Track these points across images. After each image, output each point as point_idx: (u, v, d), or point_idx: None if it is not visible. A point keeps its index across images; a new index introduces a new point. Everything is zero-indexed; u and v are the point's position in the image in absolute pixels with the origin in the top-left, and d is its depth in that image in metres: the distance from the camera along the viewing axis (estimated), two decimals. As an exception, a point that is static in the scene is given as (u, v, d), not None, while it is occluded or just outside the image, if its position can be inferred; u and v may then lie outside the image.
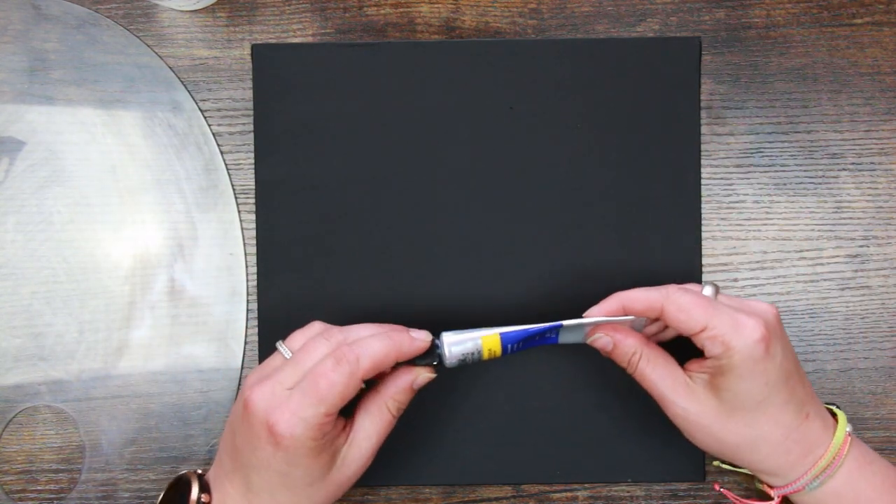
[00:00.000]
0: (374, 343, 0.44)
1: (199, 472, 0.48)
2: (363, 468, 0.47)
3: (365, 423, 0.46)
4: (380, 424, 0.47)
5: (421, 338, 0.46)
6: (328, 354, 0.44)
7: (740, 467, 0.51)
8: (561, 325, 0.47)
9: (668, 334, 0.50)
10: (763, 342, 0.44)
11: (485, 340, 0.46)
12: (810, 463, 0.46)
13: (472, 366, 0.48)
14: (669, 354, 0.48)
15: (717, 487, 0.53)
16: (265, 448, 0.44)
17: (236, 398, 0.49)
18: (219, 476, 0.47)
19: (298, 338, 0.47)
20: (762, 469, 0.47)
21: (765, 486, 0.49)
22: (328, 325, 0.47)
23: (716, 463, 0.53)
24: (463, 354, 0.46)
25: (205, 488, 0.47)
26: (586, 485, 0.55)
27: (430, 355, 0.47)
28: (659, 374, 0.47)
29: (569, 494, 0.55)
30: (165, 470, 0.55)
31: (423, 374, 0.47)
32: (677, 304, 0.45)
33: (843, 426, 0.47)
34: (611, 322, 0.48)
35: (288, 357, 0.46)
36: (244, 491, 0.46)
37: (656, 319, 0.48)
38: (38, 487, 0.55)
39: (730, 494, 0.52)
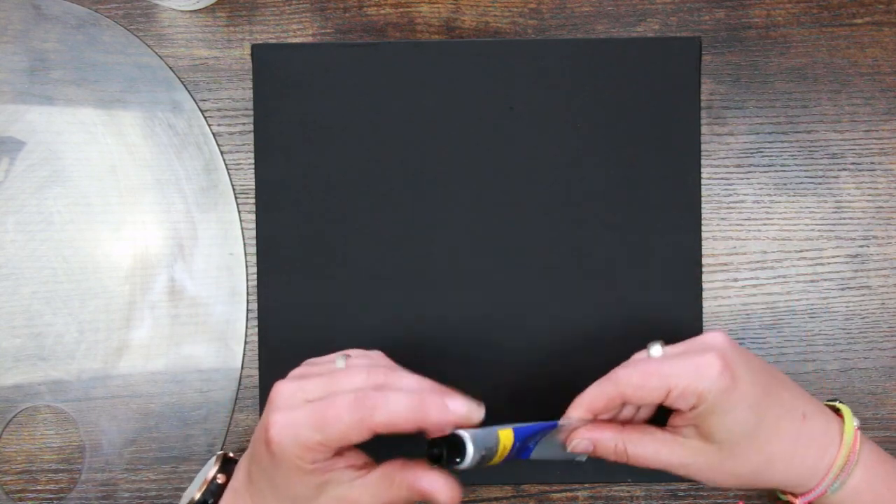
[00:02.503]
0: (400, 401, 0.41)
1: (231, 455, 0.50)
2: None
3: (381, 485, 0.43)
4: (391, 496, 0.43)
5: (456, 411, 0.41)
6: (356, 389, 0.42)
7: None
8: (556, 425, 0.46)
9: (644, 413, 0.49)
10: (726, 371, 0.43)
11: (502, 436, 0.44)
12: (828, 464, 0.46)
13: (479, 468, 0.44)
14: (648, 425, 0.47)
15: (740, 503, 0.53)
16: (261, 445, 0.43)
17: None
18: (242, 458, 0.48)
19: (359, 360, 0.45)
20: (786, 484, 0.47)
21: (788, 495, 0.49)
22: (388, 362, 0.45)
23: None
24: (481, 458, 0.43)
25: (227, 469, 0.48)
26: (586, 485, 0.55)
27: (453, 461, 0.42)
28: (651, 451, 0.46)
29: (569, 494, 0.55)
30: (165, 470, 0.55)
31: (442, 500, 0.43)
32: (632, 385, 0.44)
33: (850, 421, 0.47)
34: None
35: (339, 366, 0.44)
36: (246, 480, 0.46)
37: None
38: (38, 487, 0.55)
39: None
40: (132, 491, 0.55)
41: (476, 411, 0.42)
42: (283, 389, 0.43)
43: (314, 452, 0.42)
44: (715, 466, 0.46)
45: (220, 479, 0.48)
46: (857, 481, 0.46)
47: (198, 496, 0.48)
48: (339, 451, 0.43)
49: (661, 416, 0.48)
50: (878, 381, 0.55)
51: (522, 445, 0.45)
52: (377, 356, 0.47)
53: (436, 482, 0.43)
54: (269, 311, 0.54)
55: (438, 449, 0.42)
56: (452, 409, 0.41)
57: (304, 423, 0.41)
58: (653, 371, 0.44)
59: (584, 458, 0.50)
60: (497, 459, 0.44)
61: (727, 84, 0.55)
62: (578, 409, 0.46)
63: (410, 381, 0.43)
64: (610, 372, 0.46)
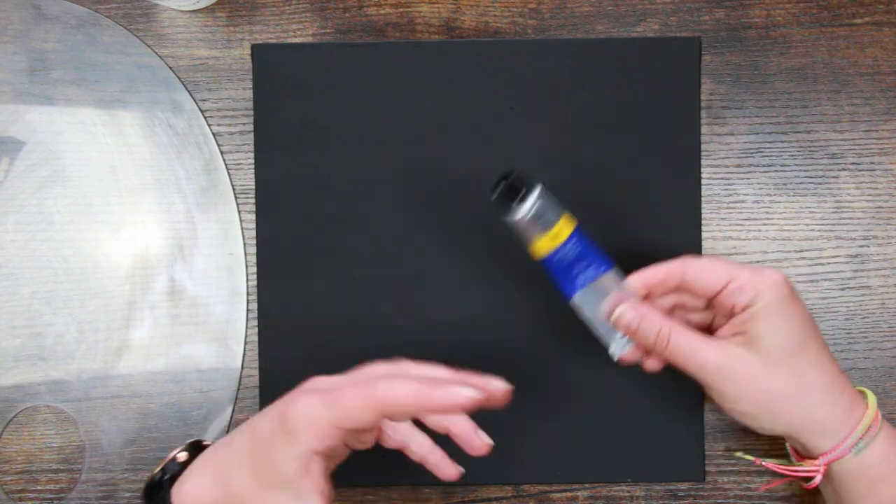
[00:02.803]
0: (407, 383, 0.41)
1: (206, 443, 0.47)
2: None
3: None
4: (330, 448, 0.42)
5: (463, 392, 0.40)
6: (374, 375, 0.42)
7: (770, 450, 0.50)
8: (611, 268, 0.47)
9: (690, 316, 0.50)
10: (787, 283, 0.45)
11: (565, 217, 0.45)
12: (856, 419, 0.46)
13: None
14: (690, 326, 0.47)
15: (757, 461, 0.51)
16: (272, 414, 0.42)
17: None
18: (233, 432, 0.46)
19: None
20: (811, 425, 0.46)
21: (804, 460, 0.48)
22: (406, 362, 0.45)
23: (738, 454, 0.53)
24: (544, 210, 0.44)
25: (193, 452, 0.45)
26: (586, 485, 0.55)
27: (516, 193, 0.43)
28: (693, 345, 0.46)
29: (569, 494, 0.55)
30: (165, 470, 0.55)
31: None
32: (697, 265, 0.46)
33: (873, 397, 0.47)
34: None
35: None
36: (218, 445, 0.44)
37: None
38: (38, 487, 0.55)
39: (772, 466, 0.50)
40: (132, 491, 0.55)
41: (471, 395, 0.40)
42: (314, 381, 0.43)
43: (322, 432, 0.41)
44: (749, 376, 0.45)
45: (181, 457, 0.45)
46: (876, 450, 0.46)
47: (156, 472, 0.45)
48: (336, 457, 0.44)
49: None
50: (878, 381, 0.55)
51: (571, 266, 0.46)
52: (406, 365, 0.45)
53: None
54: (269, 311, 0.54)
55: (506, 180, 0.43)
56: (459, 391, 0.40)
57: (319, 401, 0.41)
58: (720, 261, 0.46)
59: (617, 352, 0.49)
60: (548, 243, 0.45)
61: (727, 84, 0.55)
62: (635, 278, 0.47)
63: (427, 369, 0.43)
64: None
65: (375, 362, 0.44)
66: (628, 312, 0.46)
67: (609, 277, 0.47)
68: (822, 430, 0.46)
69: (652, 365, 0.49)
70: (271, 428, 0.42)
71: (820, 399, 0.45)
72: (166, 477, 0.46)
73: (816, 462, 0.46)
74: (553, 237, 0.45)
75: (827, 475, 0.47)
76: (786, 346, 0.45)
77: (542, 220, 0.45)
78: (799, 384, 0.45)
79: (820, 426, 0.46)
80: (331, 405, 0.41)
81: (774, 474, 0.52)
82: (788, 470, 0.49)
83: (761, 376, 0.45)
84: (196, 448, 0.47)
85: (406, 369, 0.44)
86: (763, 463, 0.50)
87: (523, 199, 0.44)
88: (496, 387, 0.42)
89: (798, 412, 0.46)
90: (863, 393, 0.48)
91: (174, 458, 0.46)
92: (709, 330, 0.49)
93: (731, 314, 0.46)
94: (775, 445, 0.54)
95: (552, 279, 0.47)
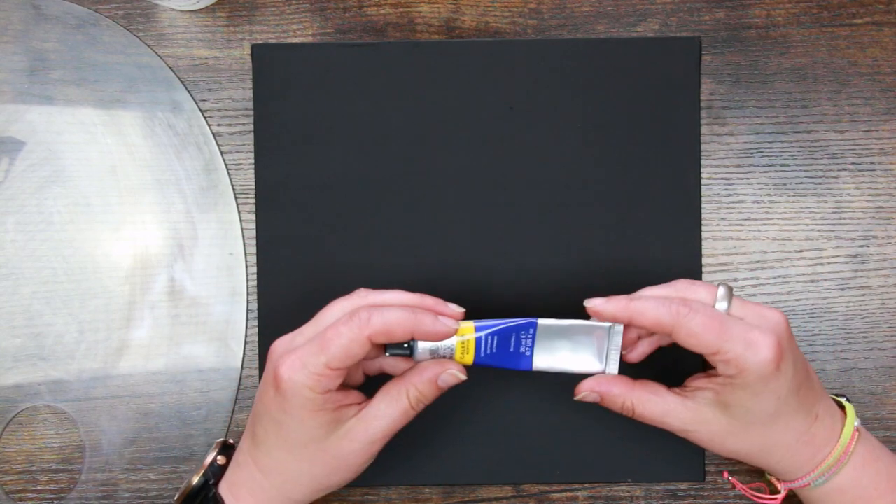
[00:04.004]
0: (392, 311, 0.43)
1: (231, 441, 0.50)
2: (369, 450, 0.46)
3: (381, 404, 0.45)
4: (395, 409, 0.45)
5: (447, 322, 0.44)
6: (346, 312, 0.44)
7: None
8: (536, 323, 0.46)
9: (666, 340, 0.49)
10: (775, 361, 0.43)
11: (459, 332, 0.46)
12: (819, 461, 0.47)
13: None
14: (658, 384, 0.47)
15: (725, 475, 0.53)
16: (268, 391, 0.44)
17: None
18: (244, 432, 0.49)
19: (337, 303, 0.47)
20: (776, 470, 0.48)
21: (773, 479, 0.50)
22: (365, 290, 0.47)
23: (725, 474, 0.54)
24: (435, 345, 0.46)
25: (226, 453, 0.49)
26: (586, 485, 0.55)
27: (400, 346, 0.46)
28: (659, 412, 0.47)
29: (569, 494, 0.55)
30: (165, 470, 0.55)
31: (451, 371, 0.45)
32: (687, 329, 0.44)
33: (852, 422, 0.47)
34: (590, 325, 0.47)
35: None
36: (250, 445, 0.47)
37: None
38: (38, 487, 0.55)
39: (738, 484, 0.52)
40: (132, 491, 0.55)
41: (456, 324, 0.45)
42: (279, 342, 0.46)
43: (323, 378, 0.43)
44: (718, 438, 0.46)
45: (220, 460, 0.48)
46: (843, 479, 0.47)
47: (196, 480, 0.48)
48: (344, 388, 0.45)
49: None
50: (878, 381, 0.55)
51: (503, 353, 0.46)
52: (357, 291, 0.47)
53: (442, 370, 0.46)
54: (269, 311, 0.54)
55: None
56: (444, 320, 0.44)
57: (307, 352, 0.43)
58: (714, 327, 0.43)
59: (602, 368, 0.48)
60: (465, 357, 0.46)
61: (727, 84, 0.55)
62: (622, 306, 0.45)
63: (396, 294, 0.46)
64: (672, 285, 0.47)
65: (331, 303, 0.46)
66: (590, 395, 0.47)
67: (543, 327, 0.47)
68: (784, 472, 0.48)
69: (633, 357, 0.50)
70: (276, 403, 0.44)
71: (779, 456, 0.47)
72: (210, 481, 0.48)
73: (779, 486, 0.49)
74: (464, 350, 0.46)
75: (801, 494, 0.49)
76: (757, 417, 0.45)
77: (442, 347, 0.46)
78: (760, 445, 0.46)
79: (781, 471, 0.48)
80: (321, 351, 0.43)
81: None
82: (750, 494, 0.51)
83: (728, 439, 0.46)
84: (227, 448, 0.50)
85: (373, 298, 0.45)
86: (730, 479, 0.52)
87: (410, 345, 0.46)
88: (453, 311, 0.46)
89: (760, 462, 0.48)
90: (842, 407, 0.48)
91: (215, 462, 0.49)
92: None
93: (712, 370, 0.46)
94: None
95: (500, 367, 0.47)
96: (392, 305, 0.44)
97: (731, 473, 0.53)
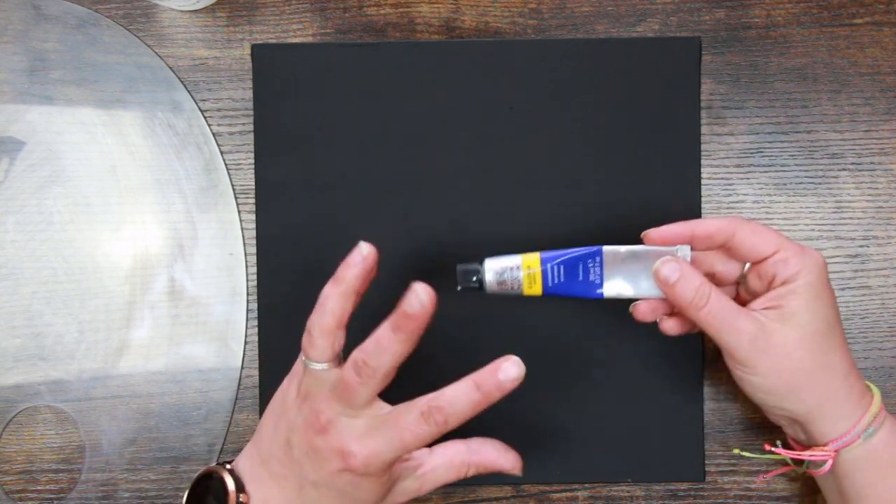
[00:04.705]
0: (460, 397, 0.43)
1: (228, 466, 0.47)
2: (414, 497, 0.47)
3: (440, 471, 0.47)
4: (452, 477, 0.47)
5: (509, 376, 0.43)
6: (415, 407, 0.43)
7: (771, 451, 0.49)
8: (601, 250, 0.47)
9: (696, 328, 0.49)
10: (826, 268, 0.46)
11: (525, 258, 0.47)
12: (866, 406, 0.46)
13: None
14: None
15: (767, 447, 0.50)
16: (332, 469, 0.44)
17: (285, 393, 0.47)
18: (260, 476, 0.46)
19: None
20: (828, 407, 0.46)
21: (808, 449, 0.47)
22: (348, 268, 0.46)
23: (735, 450, 0.53)
24: (502, 270, 0.47)
25: (240, 487, 0.46)
26: (586, 485, 0.55)
27: (471, 280, 0.47)
28: (729, 311, 0.45)
29: (569, 494, 0.55)
30: (165, 470, 0.55)
31: (512, 467, 0.47)
32: (750, 227, 0.46)
33: (874, 388, 0.48)
34: (658, 249, 0.46)
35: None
36: (294, 497, 0.45)
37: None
38: (38, 487, 0.55)
39: (782, 451, 0.49)
40: (132, 491, 0.55)
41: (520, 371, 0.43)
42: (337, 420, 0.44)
43: (400, 462, 0.45)
44: (783, 350, 0.45)
45: (244, 498, 0.45)
46: (882, 437, 0.46)
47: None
48: None
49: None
50: (878, 381, 0.55)
51: (571, 282, 0.47)
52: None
53: (509, 459, 0.47)
54: (269, 311, 0.54)
55: (464, 276, 0.47)
56: (504, 377, 0.43)
57: (384, 447, 0.43)
58: (767, 227, 0.46)
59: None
60: (532, 289, 0.47)
61: (727, 84, 0.55)
62: (682, 224, 0.46)
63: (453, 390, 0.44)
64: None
65: (327, 291, 0.46)
66: (668, 264, 0.45)
67: (609, 253, 0.47)
68: (836, 414, 0.46)
69: (671, 326, 0.49)
70: (343, 481, 0.44)
71: (840, 382, 0.46)
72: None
73: (826, 448, 0.46)
74: (531, 281, 0.47)
75: (831, 469, 0.47)
76: (819, 326, 0.45)
77: (510, 280, 0.47)
78: (826, 364, 0.46)
79: (835, 409, 0.46)
80: (403, 448, 0.43)
81: (782, 464, 0.52)
82: (801, 454, 0.48)
83: (794, 351, 0.45)
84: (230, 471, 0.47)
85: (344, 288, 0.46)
86: (774, 449, 0.49)
87: (479, 280, 0.47)
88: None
89: (820, 392, 0.46)
90: (868, 386, 0.48)
91: (238, 500, 0.46)
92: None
93: (768, 286, 0.46)
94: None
95: (571, 296, 0.48)
96: (456, 386, 0.43)
97: (769, 447, 0.50)
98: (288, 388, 0.47)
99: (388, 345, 0.42)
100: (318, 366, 0.45)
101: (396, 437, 0.43)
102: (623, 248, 0.47)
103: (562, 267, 0.47)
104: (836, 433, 0.46)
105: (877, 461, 0.46)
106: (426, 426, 0.42)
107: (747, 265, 0.48)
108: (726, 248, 0.47)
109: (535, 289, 0.47)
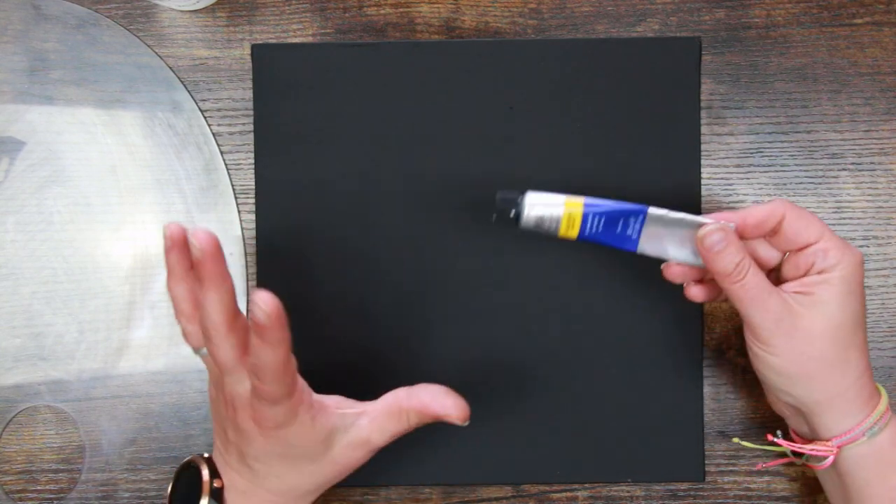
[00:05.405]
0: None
1: (206, 455, 0.48)
2: (370, 456, 0.47)
3: (382, 418, 0.46)
4: (398, 428, 0.47)
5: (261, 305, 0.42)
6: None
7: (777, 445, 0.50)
8: (646, 211, 0.46)
9: (723, 295, 0.48)
10: (863, 267, 0.46)
11: (568, 200, 0.46)
12: (873, 405, 0.47)
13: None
14: None
15: (769, 437, 0.50)
16: (258, 436, 0.44)
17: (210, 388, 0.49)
18: (223, 464, 0.47)
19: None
20: (838, 401, 0.46)
21: (810, 442, 0.48)
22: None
23: (735, 439, 0.53)
24: (544, 204, 0.46)
25: (215, 473, 0.47)
26: (586, 485, 0.55)
27: (509, 208, 0.46)
28: (764, 288, 0.45)
29: (569, 494, 0.55)
30: (165, 470, 0.55)
31: (452, 417, 0.46)
32: (798, 212, 0.46)
33: (882, 390, 0.48)
34: (702, 220, 0.46)
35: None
36: (251, 476, 0.46)
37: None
38: (38, 487, 0.55)
39: (784, 442, 0.50)
40: (132, 491, 0.55)
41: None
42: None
43: (292, 390, 0.44)
44: (806, 335, 0.45)
45: (218, 483, 0.47)
46: (886, 436, 0.46)
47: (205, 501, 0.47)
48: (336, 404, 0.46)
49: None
50: (878, 381, 0.55)
51: (610, 232, 0.47)
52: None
53: (446, 404, 0.46)
54: (269, 311, 0.54)
55: (503, 204, 0.46)
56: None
57: (271, 378, 0.43)
58: (816, 216, 0.47)
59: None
60: (569, 230, 0.46)
61: (727, 84, 0.55)
62: (731, 213, 0.47)
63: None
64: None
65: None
66: (716, 233, 0.46)
67: (653, 216, 0.47)
68: (844, 410, 0.46)
69: (697, 293, 0.49)
70: (275, 440, 0.45)
71: (853, 380, 0.46)
72: None
73: (828, 443, 0.47)
74: (569, 224, 0.46)
75: (833, 465, 0.47)
76: (845, 321, 0.46)
77: (548, 218, 0.46)
78: (844, 359, 0.46)
79: (843, 405, 0.46)
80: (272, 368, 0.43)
81: (782, 456, 0.52)
82: (803, 447, 0.48)
83: (816, 339, 0.45)
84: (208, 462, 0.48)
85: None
86: (776, 440, 0.50)
87: (518, 212, 0.46)
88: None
89: (832, 385, 0.46)
90: (878, 388, 0.49)
91: (211, 484, 0.47)
92: None
93: (803, 272, 0.47)
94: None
95: (605, 245, 0.48)
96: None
97: (772, 438, 0.51)
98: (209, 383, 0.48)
99: (260, 353, 0.43)
100: (202, 351, 0.46)
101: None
102: (669, 214, 0.46)
103: (602, 218, 0.46)
104: (839, 429, 0.46)
105: (880, 460, 0.46)
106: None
107: (787, 254, 0.48)
108: (772, 233, 0.47)
109: (572, 232, 0.46)
